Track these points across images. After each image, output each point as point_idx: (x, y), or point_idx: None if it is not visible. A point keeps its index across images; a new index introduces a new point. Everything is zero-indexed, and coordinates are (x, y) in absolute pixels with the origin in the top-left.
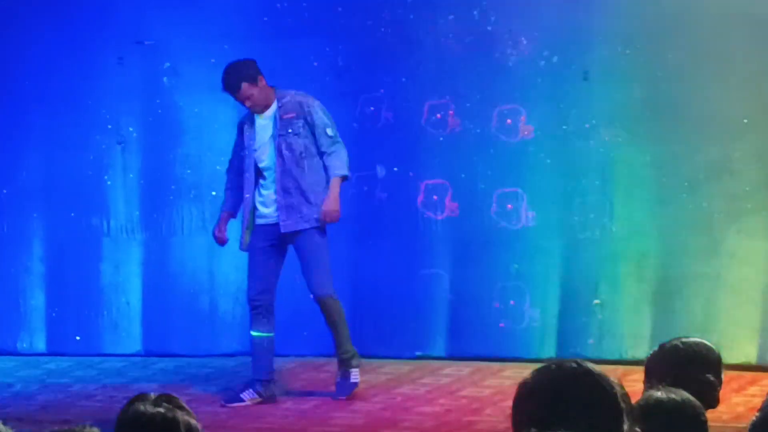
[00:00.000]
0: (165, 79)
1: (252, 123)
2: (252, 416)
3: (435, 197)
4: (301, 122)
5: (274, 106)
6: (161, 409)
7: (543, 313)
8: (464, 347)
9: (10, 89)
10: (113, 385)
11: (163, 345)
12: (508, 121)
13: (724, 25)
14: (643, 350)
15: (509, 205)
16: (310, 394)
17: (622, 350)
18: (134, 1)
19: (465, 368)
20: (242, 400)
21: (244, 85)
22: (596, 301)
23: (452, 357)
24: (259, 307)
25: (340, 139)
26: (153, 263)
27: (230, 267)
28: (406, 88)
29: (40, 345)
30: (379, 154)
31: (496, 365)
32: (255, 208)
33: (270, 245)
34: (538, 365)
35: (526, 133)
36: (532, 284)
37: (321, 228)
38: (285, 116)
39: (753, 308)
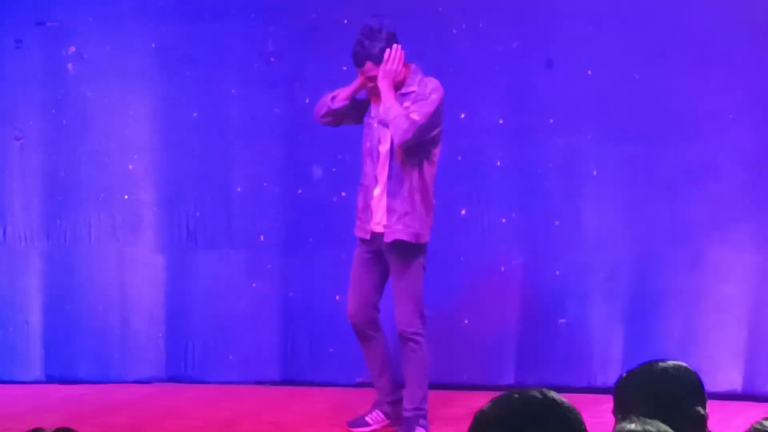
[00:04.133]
0: (70, 65)
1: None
2: None
3: None
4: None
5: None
6: None
7: (500, 334)
8: None
9: None
10: (8, 415)
11: (67, 370)
12: (462, 115)
13: (708, 6)
14: (613, 376)
15: (462, 211)
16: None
17: (591, 376)
18: None
19: None
20: (368, 424)
21: (368, 64)
22: (561, 321)
23: (400, 384)
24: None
25: None
26: (55, 276)
27: (143, 281)
28: (345, 77)
29: None
30: (316, 152)
31: (445, 393)
32: None
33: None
34: (495, 393)
35: (480, 127)
36: (487, 301)
37: None
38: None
39: (738, 329)
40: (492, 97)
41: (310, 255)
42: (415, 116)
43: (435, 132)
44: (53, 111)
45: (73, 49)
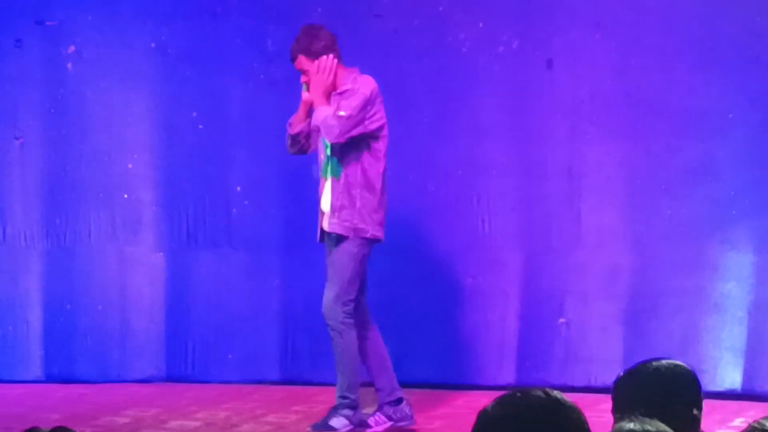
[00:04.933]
0: (69, 64)
1: None
2: None
3: None
4: None
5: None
6: None
7: (501, 333)
8: (412, 372)
9: None
10: (8, 415)
11: (67, 369)
12: (462, 114)
13: (708, 6)
14: (613, 376)
15: (462, 210)
16: None
17: (591, 376)
18: None
19: (411, 396)
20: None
21: (301, 57)
22: (561, 320)
23: (399, 383)
24: None
25: None
26: (55, 275)
27: (143, 280)
28: None
29: None
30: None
31: (445, 393)
32: None
33: None
34: (495, 393)
35: (480, 127)
36: (488, 301)
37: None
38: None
39: (738, 328)
40: (492, 97)
41: (310, 254)
42: (342, 112)
43: (373, 126)
44: (53, 110)
45: (72, 48)
